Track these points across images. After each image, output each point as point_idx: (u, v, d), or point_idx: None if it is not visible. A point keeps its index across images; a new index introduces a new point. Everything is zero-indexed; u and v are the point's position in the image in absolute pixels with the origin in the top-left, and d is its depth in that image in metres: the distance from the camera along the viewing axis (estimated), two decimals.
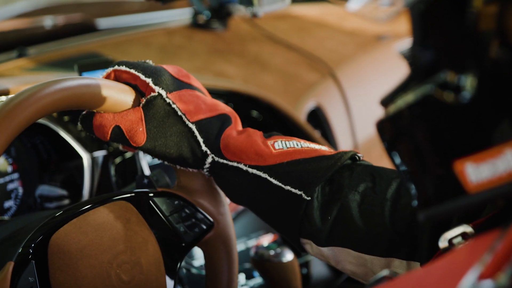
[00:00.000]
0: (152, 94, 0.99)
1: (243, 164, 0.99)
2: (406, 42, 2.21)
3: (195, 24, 1.96)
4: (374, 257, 0.95)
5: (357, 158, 1.01)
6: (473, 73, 0.53)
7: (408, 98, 0.59)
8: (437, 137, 0.58)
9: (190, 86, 1.03)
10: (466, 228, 0.68)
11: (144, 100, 0.99)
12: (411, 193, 0.79)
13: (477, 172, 0.55)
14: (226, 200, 1.11)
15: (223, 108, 1.04)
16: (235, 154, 1.00)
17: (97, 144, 1.31)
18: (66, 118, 1.31)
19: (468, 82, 0.54)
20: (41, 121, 1.25)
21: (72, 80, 0.94)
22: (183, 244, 1.05)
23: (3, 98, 1.18)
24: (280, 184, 0.97)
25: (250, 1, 1.27)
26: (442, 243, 0.68)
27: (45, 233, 0.92)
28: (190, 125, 1.00)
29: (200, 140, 1.00)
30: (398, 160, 0.63)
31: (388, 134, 0.63)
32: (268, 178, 0.98)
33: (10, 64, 1.55)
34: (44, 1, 2.62)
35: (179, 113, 0.99)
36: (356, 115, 1.86)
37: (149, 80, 0.99)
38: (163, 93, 0.99)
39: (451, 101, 0.55)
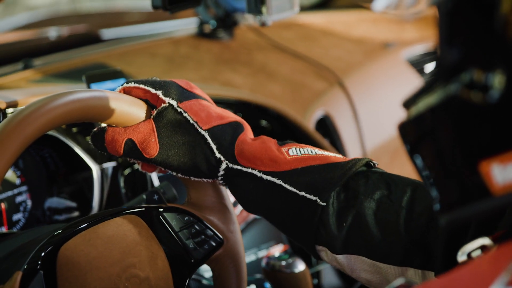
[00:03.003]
0: (163, 105, 1.00)
1: (258, 171, 0.99)
2: (413, 49, 2.21)
3: (201, 34, 1.95)
4: (388, 265, 0.94)
5: (372, 165, 1.00)
6: (502, 70, 0.52)
7: (432, 99, 0.58)
8: (463, 138, 0.56)
9: (199, 97, 1.04)
10: (485, 241, 0.67)
11: (156, 111, 0.99)
12: (432, 197, 0.78)
13: (503, 173, 0.54)
14: (236, 218, 1.10)
15: (234, 116, 1.05)
16: (249, 160, 0.99)
17: (106, 155, 1.31)
18: (74, 129, 1.31)
19: (497, 80, 0.52)
20: (50, 132, 1.24)
21: (84, 92, 0.94)
22: (192, 261, 1.04)
23: (11, 110, 1.18)
24: (295, 190, 0.97)
25: (259, 10, 1.26)
26: (461, 257, 0.67)
27: (54, 244, 0.92)
28: (203, 132, 1.00)
29: (214, 147, 1.00)
30: (420, 163, 0.62)
31: (410, 136, 0.62)
32: (283, 184, 0.98)
33: (16, 76, 1.55)
34: (47, 12, 2.62)
35: (191, 121, 1.00)
36: (365, 123, 1.85)
37: (159, 92, 1.00)
38: (174, 103, 1.00)
39: (478, 101, 0.54)
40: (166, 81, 1.03)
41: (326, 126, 1.77)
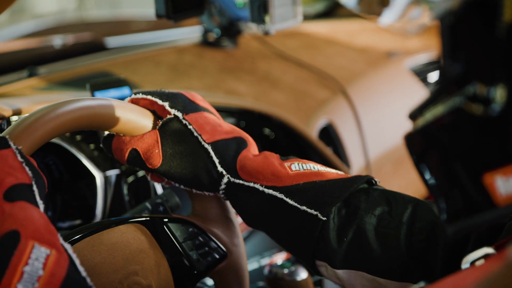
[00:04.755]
0: (169, 116, 1.00)
1: (260, 185, 0.99)
2: (417, 58, 2.21)
3: (205, 42, 1.97)
4: (388, 281, 0.94)
5: (374, 182, 1.01)
6: (503, 84, 0.53)
7: (437, 111, 0.59)
8: (467, 150, 0.57)
9: (206, 110, 1.05)
10: (489, 250, 0.67)
11: (161, 122, 1.00)
12: (434, 213, 0.78)
13: (506, 185, 0.55)
14: (240, 232, 1.10)
15: (239, 132, 1.05)
16: (251, 174, 1.00)
17: (109, 163, 1.31)
18: (78, 137, 1.31)
19: (498, 94, 0.53)
20: (54, 140, 1.25)
21: (92, 100, 0.94)
22: (195, 272, 1.04)
23: (15, 118, 1.18)
24: (296, 204, 0.97)
25: (262, 19, 1.27)
26: (464, 265, 0.68)
27: None
28: (206, 145, 1.00)
29: (216, 160, 1.00)
30: (426, 173, 0.63)
31: (417, 147, 0.63)
32: (284, 198, 0.98)
33: (21, 84, 1.56)
34: (53, 20, 2.64)
35: (195, 133, 1.00)
36: (368, 131, 1.85)
37: (165, 104, 1.01)
38: (180, 114, 1.01)
39: (480, 113, 0.54)
40: (174, 93, 1.04)
41: (329, 135, 1.78)
